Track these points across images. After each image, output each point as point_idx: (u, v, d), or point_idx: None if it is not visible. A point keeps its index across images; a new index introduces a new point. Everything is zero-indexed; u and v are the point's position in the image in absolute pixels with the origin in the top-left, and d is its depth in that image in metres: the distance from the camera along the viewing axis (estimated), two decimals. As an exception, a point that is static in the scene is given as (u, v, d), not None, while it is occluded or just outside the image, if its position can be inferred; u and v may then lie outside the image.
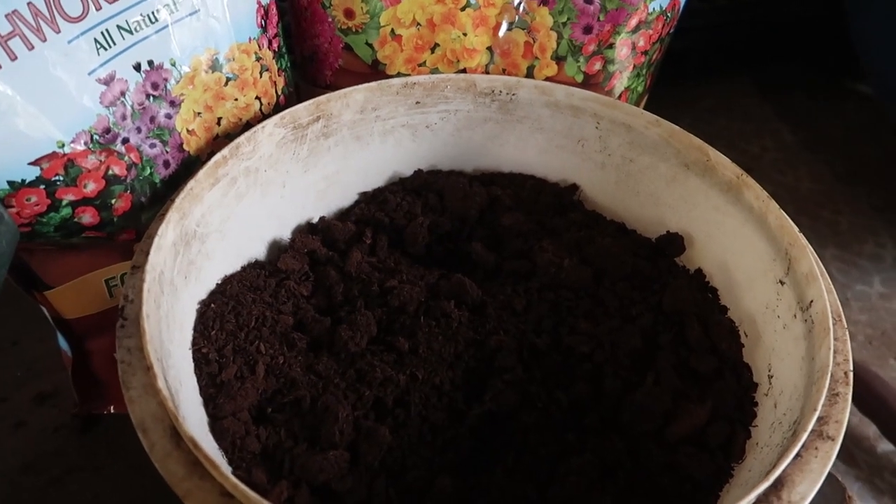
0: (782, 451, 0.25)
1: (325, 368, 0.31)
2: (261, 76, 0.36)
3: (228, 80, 0.34)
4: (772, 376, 0.30)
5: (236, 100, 0.35)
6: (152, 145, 0.31)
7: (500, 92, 0.39)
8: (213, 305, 0.32)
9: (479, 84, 0.39)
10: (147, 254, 0.28)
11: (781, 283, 0.31)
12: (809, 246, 0.30)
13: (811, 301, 0.28)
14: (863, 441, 0.48)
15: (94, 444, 0.40)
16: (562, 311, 0.34)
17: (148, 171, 0.31)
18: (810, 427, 0.23)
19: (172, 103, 0.32)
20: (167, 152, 0.32)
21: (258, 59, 0.36)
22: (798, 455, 0.24)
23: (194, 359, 0.30)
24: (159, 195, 0.32)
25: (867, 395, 0.47)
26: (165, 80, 0.32)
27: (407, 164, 0.41)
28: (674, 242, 0.37)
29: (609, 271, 0.35)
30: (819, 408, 0.24)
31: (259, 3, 0.36)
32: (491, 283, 0.35)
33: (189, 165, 0.33)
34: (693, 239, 0.36)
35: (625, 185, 0.39)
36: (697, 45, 0.67)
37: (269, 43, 0.37)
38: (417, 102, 0.38)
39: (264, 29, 0.36)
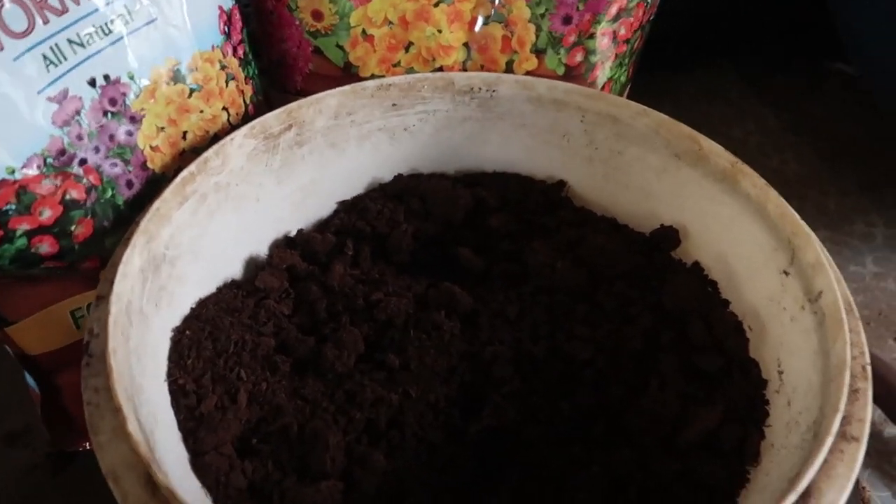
0: (804, 454, 0.23)
1: (311, 392, 0.29)
2: (227, 85, 0.34)
3: (192, 91, 0.32)
4: (782, 372, 0.29)
5: (202, 112, 0.33)
6: (113, 165, 0.29)
7: (480, 89, 0.37)
8: (188, 332, 0.30)
9: (457, 82, 0.37)
10: (112, 283, 0.26)
11: (786, 273, 0.29)
12: (813, 234, 0.29)
13: (820, 292, 0.27)
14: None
15: (70, 484, 0.37)
16: (558, 316, 0.32)
17: (109, 192, 0.29)
18: (835, 429, 0.22)
19: (133, 119, 0.30)
20: (130, 171, 0.30)
21: (223, 67, 0.34)
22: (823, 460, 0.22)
23: (170, 391, 0.28)
24: (123, 218, 0.30)
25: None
26: (124, 94, 0.30)
27: (386, 168, 0.39)
28: (668, 236, 0.35)
29: (604, 271, 0.34)
30: (842, 408, 0.22)
31: (221, 8, 0.34)
32: (482, 290, 0.34)
33: (154, 184, 0.31)
34: (688, 231, 0.35)
35: (614, 178, 0.37)
36: (674, 31, 0.65)
37: (234, 50, 0.35)
38: (394, 105, 0.37)
39: (228, 35, 0.34)
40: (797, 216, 0.29)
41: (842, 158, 0.65)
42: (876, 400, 0.45)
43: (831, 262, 0.28)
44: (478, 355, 0.30)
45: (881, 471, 0.45)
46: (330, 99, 0.35)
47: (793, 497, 0.20)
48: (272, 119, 0.34)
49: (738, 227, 0.32)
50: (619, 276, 0.33)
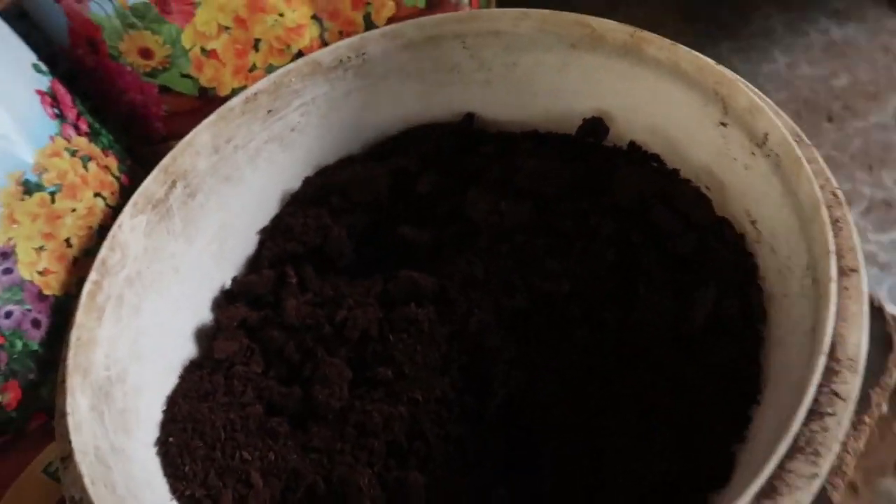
0: (811, 302, 0.23)
1: (320, 440, 0.28)
2: (87, 169, 0.31)
3: (53, 194, 0.29)
4: (755, 221, 0.28)
5: (74, 210, 0.30)
6: (8, 314, 0.26)
7: (349, 58, 0.34)
8: (171, 439, 0.28)
9: (323, 61, 0.34)
10: (69, 440, 0.23)
11: (723, 124, 0.28)
12: (740, 78, 0.27)
13: (765, 134, 0.26)
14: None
15: None
16: (524, 259, 0.30)
17: (20, 344, 0.26)
18: (834, 273, 0.21)
19: (4, 255, 0.27)
20: (30, 310, 0.27)
21: (73, 153, 0.30)
22: (831, 305, 0.22)
23: (182, 506, 0.26)
24: (46, 360, 0.27)
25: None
26: (-20, 234, 0.26)
27: (292, 175, 0.36)
28: (595, 127, 0.34)
29: (549, 192, 0.32)
30: (833, 248, 0.22)
31: (40, 91, 0.30)
32: (440, 262, 0.32)
33: (61, 309, 0.28)
34: (611, 115, 0.34)
35: (518, 91, 0.35)
36: None
37: (76, 128, 0.31)
38: (269, 111, 0.34)
39: (62, 117, 0.31)
40: (714, 64, 0.28)
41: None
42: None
43: (765, 98, 0.27)
44: (464, 332, 0.29)
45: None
46: (201, 136, 0.32)
47: (821, 359, 0.20)
48: (152, 184, 0.31)
49: (661, 95, 0.31)
50: (566, 191, 0.32)
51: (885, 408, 0.63)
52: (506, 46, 0.34)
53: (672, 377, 0.26)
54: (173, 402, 0.29)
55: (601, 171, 0.32)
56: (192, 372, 0.30)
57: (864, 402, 0.34)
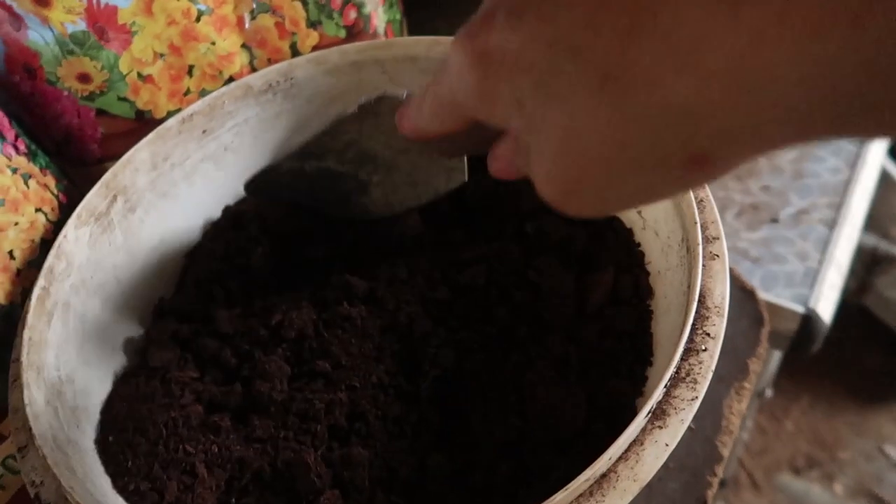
0: (686, 268, 0.27)
1: (263, 431, 0.30)
2: (28, 186, 0.32)
3: (-4, 208, 0.30)
4: (640, 211, 0.33)
5: (17, 224, 0.31)
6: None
7: (278, 82, 0.37)
8: (111, 438, 0.29)
9: (253, 85, 0.37)
10: (28, 428, 0.24)
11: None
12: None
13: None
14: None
15: None
16: (441, 256, 0.34)
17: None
18: (700, 239, 0.26)
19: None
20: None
21: (14, 170, 0.32)
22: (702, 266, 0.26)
23: (128, 500, 0.27)
24: (-4, 363, 0.28)
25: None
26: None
27: (225, 193, 0.38)
28: (503, 141, 0.38)
29: (467, 201, 0.36)
30: (698, 220, 0.26)
31: (-22, 113, 0.31)
32: (365, 268, 0.35)
33: (5, 317, 0.29)
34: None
35: (434, 111, 0.39)
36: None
37: (15, 148, 0.33)
38: (204, 131, 0.36)
39: (1, 137, 0.32)
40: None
41: None
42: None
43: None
44: (395, 324, 0.32)
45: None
46: (140, 153, 0.34)
47: (693, 306, 0.24)
48: (94, 198, 0.32)
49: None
50: (480, 198, 0.36)
51: (769, 393, 0.69)
52: (421, 71, 0.38)
53: (581, 344, 0.30)
54: (110, 404, 0.30)
55: (507, 184, 0.36)
56: (126, 380, 0.32)
57: (743, 371, 0.39)
